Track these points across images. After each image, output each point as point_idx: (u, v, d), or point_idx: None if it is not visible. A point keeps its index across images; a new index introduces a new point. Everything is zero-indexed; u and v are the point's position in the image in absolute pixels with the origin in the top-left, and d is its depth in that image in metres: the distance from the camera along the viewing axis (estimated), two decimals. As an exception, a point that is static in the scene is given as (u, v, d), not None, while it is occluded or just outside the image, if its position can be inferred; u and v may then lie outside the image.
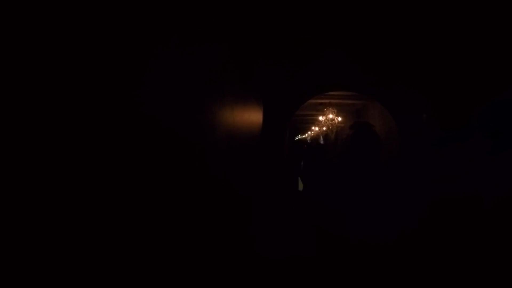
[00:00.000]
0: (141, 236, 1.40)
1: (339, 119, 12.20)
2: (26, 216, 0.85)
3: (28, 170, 0.87)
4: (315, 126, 16.44)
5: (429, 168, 4.38)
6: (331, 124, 12.08)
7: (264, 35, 4.19)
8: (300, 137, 19.82)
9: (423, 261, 2.65)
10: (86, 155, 1.10)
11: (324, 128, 13.20)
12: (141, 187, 1.39)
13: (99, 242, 1.12)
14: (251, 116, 3.74)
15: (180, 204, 1.69)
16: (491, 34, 4.43)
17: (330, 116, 11.84)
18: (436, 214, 3.25)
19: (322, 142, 8.92)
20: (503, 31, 4.27)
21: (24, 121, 0.86)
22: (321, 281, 2.60)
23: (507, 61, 4.28)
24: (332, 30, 5.23)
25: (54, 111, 0.96)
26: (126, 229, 1.30)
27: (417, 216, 3.32)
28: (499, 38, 4.38)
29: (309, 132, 20.24)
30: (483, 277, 2.28)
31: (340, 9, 4.34)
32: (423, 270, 2.53)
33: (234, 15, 2.00)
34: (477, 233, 2.67)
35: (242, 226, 2.92)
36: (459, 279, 2.34)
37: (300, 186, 7.13)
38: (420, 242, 2.86)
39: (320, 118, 12.35)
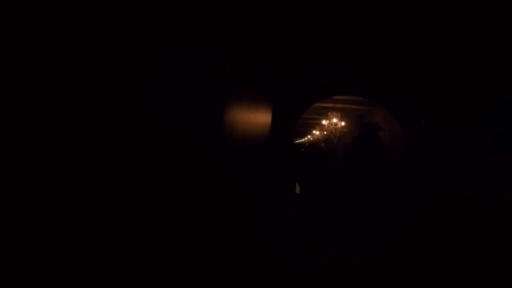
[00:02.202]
0: (141, 235, 1.40)
1: (343, 123, 12.18)
2: (26, 216, 0.86)
3: (29, 169, 0.87)
4: (316, 130, 16.40)
5: (431, 169, 4.36)
6: (335, 128, 12.06)
7: (271, 38, 4.22)
8: (300, 140, 19.75)
9: (427, 262, 2.64)
10: (86, 155, 1.10)
11: (325, 133, 13.19)
12: (141, 186, 1.39)
13: (100, 241, 1.12)
14: (260, 119, 3.73)
15: (180, 204, 1.69)
16: (491, 35, 4.42)
17: (334, 120, 11.81)
18: (438, 215, 3.23)
19: (324, 148, 8.85)
20: (503, 32, 4.27)
21: (25, 121, 0.87)
22: (321, 279, 2.59)
23: (507, 62, 4.28)
24: (342, 34, 5.24)
25: (53, 110, 0.97)
26: (127, 228, 1.30)
27: (420, 218, 3.31)
28: (500, 39, 4.37)
29: (309, 136, 20.16)
30: (484, 277, 2.27)
31: (342, 11, 4.36)
32: (428, 272, 2.51)
33: (236, 16, 2.01)
34: (478, 233, 2.66)
35: (242, 225, 2.92)
36: (461, 279, 2.32)
37: (297, 189, 7.13)
38: (424, 243, 2.84)
39: (324, 122, 12.32)
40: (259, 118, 3.84)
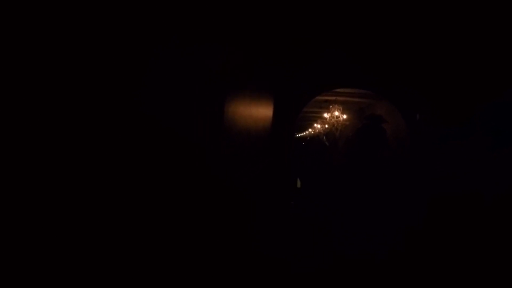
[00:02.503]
0: (140, 236, 1.41)
1: (344, 116, 12.16)
2: (26, 216, 0.86)
3: (28, 170, 0.87)
4: (318, 123, 16.37)
5: (431, 165, 4.35)
6: (336, 121, 12.04)
7: (270, 38, 4.20)
8: (301, 134, 19.73)
9: (428, 259, 2.64)
10: (85, 155, 1.10)
11: (327, 126, 13.17)
12: (139, 187, 1.39)
13: (98, 241, 1.13)
14: (260, 118, 3.72)
15: (179, 202, 1.69)
16: (492, 33, 4.40)
17: (336, 113, 11.80)
18: (438, 212, 3.22)
19: (325, 141, 8.80)
20: (504, 30, 4.24)
21: (24, 121, 0.87)
22: (322, 278, 2.60)
23: (508, 61, 4.25)
24: (341, 32, 5.21)
25: (53, 110, 0.97)
26: (126, 228, 1.30)
27: (421, 215, 3.31)
28: (501, 37, 4.34)
29: (310, 130, 20.09)
30: (484, 275, 2.26)
31: (341, 9, 4.33)
32: (429, 269, 2.51)
33: (236, 16, 1.99)
34: (478, 230, 2.66)
35: (242, 224, 2.92)
36: (462, 276, 2.32)
37: (299, 184, 7.13)
38: (424, 240, 2.84)
39: (325, 115, 12.31)
40: (259, 117, 3.84)
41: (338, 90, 8.34)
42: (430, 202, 3.44)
